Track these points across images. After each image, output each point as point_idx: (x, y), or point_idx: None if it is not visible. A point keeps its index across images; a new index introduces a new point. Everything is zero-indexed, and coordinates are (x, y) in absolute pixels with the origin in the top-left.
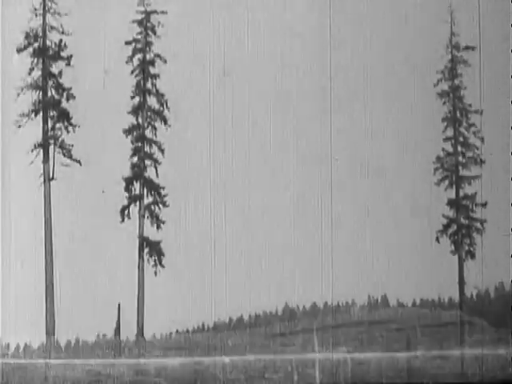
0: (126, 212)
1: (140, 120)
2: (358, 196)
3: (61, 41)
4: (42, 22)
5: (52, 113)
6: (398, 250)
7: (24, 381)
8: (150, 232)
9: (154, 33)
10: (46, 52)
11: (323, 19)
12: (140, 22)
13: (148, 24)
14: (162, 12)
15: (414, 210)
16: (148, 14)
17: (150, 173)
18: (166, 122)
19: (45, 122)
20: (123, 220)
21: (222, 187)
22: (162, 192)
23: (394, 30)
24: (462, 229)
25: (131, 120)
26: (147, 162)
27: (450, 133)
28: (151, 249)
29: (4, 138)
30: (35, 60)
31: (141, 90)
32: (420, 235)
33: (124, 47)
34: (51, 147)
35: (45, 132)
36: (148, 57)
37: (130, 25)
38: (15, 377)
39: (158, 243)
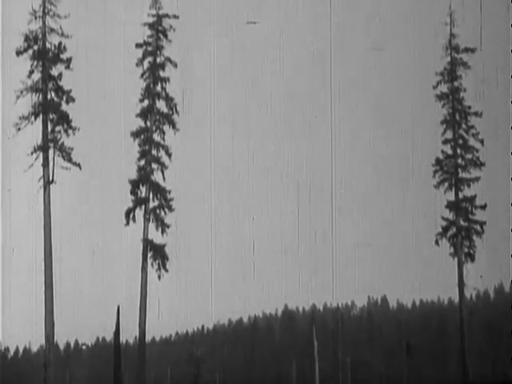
0: (132, 215)
1: (148, 123)
2: (357, 199)
3: (60, 43)
4: (41, 24)
5: (52, 116)
6: (397, 252)
7: (24, 383)
8: (155, 236)
9: (166, 36)
10: (45, 54)
11: (323, 19)
12: (151, 25)
13: (159, 27)
14: (174, 16)
15: (413, 213)
16: (160, 17)
17: (156, 176)
18: (174, 126)
19: (45, 124)
20: (128, 223)
21: (225, 192)
22: (168, 196)
23: (393, 31)
24: (461, 231)
25: (139, 123)
26: (154, 166)
27: (449, 135)
28: (155, 252)
29: (4, 140)
30: (35, 62)
31: (150, 94)
32: (419, 237)
33: (125, 49)
34: (51, 150)
35: (44, 135)
36: (158, 60)
37: (135, 27)
38: (15, 379)
39: (162, 247)
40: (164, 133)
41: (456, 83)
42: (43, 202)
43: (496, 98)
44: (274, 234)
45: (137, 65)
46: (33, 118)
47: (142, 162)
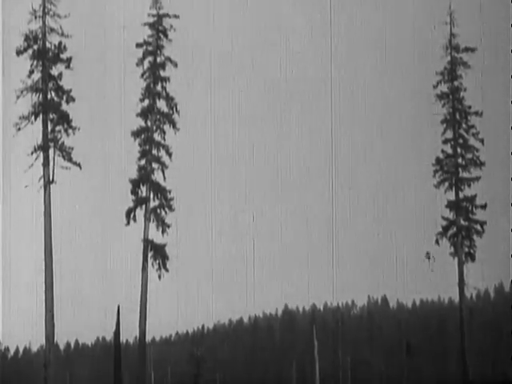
0: (132, 215)
1: (149, 123)
2: (358, 199)
3: (60, 43)
4: (41, 24)
5: (52, 115)
6: (397, 251)
7: (24, 382)
8: (155, 235)
9: (166, 36)
10: (45, 54)
11: (324, 19)
12: (152, 25)
13: (160, 27)
14: (175, 16)
15: (413, 212)
16: (160, 17)
17: (156, 176)
18: (174, 126)
19: (45, 124)
20: (128, 223)
21: (225, 192)
22: (169, 196)
23: (393, 31)
24: (461, 231)
25: (140, 122)
26: (154, 165)
27: (449, 135)
28: (156, 252)
29: (4, 140)
30: (35, 62)
31: (150, 93)
32: (420, 237)
33: (125, 49)
34: (51, 150)
35: (45, 135)
36: (158, 60)
37: (135, 27)
38: (15, 379)
39: (162, 247)
40: (164, 132)
41: (456, 83)
42: (43, 201)
43: (496, 98)
44: (274, 234)
45: (137, 64)
46: (33, 117)
47: (143, 162)
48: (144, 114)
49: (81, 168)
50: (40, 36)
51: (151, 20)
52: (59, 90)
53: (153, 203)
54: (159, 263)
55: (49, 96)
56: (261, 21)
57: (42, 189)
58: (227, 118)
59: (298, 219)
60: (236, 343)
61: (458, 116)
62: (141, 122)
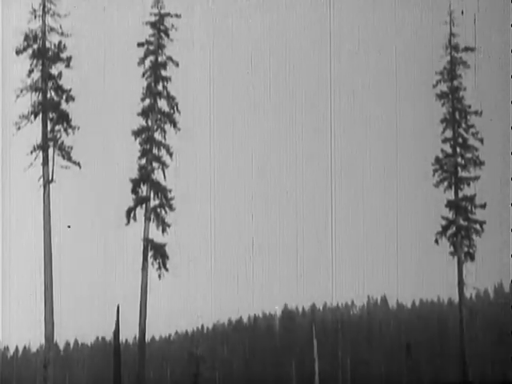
0: (132, 214)
1: (150, 122)
2: (357, 198)
3: (60, 42)
4: (41, 23)
5: (51, 115)
6: (397, 251)
7: (23, 382)
8: (155, 235)
9: (168, 35)
10: (45, 53)
11: (323, 18)
12: (153, 24)
13: (161, 27)
14: (176, 15)
15: (413, 212)
16: (161, 16)
17: (157, 175)
18: (175, 126)
19: (44, 123)
20: (128, 222)
21: (225, 192)
22: (169, 195)
23: (393, 31)
24: (461, 230)
25: (140, 122)
26: (155, 165)
27: (449, 134)
28: (156, 252)
29: (3, 139)
30: (35, 61)
31: (151, 93)
32: (419, 237)
33: (126, 48)
34: (51, 149)
35: (44, 134)
36: (160, 59)
37: (136, 26)
38: (14, 378)
39: (162, 246)
40: (165, 132)
41: (456, 82)
42: (43, 201)
43: (496, 98)
44: (273, 233)
45: (138, 64)
46: (32, 117)
47: (143, 161)
48: (145, 113)
49: (80, 167)
50: (40, 35)
51: (152, 19)
52: (59, 89)
53: (153, 202)
54: (159, 263)
55: (48, 95)
56: (262, 19)
57: (41, 188)
58: (228, 118)
59: (298, 219)
60: (235, 343)
61: (457, 115)
62: (141, 122)
